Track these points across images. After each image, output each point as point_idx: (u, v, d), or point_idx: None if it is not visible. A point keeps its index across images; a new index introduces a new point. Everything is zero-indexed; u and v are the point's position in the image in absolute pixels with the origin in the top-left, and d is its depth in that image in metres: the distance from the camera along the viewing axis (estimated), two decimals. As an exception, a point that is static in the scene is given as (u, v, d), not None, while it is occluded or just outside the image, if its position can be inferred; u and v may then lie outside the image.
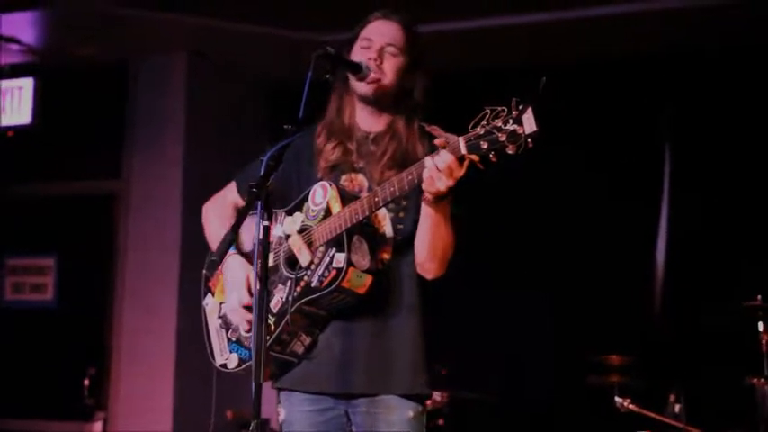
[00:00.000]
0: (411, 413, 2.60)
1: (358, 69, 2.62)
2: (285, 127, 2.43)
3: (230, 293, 2.67)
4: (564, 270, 5.54)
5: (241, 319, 2.67)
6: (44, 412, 6.21)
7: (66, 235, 6.47)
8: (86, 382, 5.61)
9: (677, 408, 4.39)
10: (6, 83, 6.31)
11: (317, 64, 2.49)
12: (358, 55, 2.66)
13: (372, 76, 2.62)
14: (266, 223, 2.32)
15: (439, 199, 2.45)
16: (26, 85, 6.28)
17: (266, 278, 2.31)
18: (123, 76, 6.40)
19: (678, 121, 5.55)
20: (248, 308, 2.64)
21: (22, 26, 5.88)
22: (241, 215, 2.39)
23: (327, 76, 2.54)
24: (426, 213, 2.53)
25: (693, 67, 5.54)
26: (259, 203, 2.33)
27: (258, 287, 2.30)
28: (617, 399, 4.46)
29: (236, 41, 5.99)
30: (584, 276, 5.49)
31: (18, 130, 6.28)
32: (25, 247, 6.57)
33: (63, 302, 6.46)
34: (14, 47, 6.02)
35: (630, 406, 4.43)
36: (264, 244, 2.32)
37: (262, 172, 2.36)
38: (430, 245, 2.56)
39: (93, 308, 6.31)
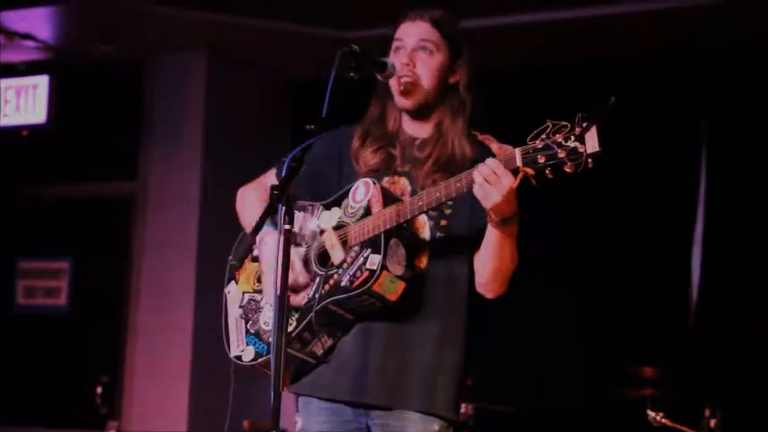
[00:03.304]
0: (436, 427, 2.49)
1: (383, 67, 2.55)
2: (307, 127, 2.35)
3: (269, 272, 2.54)
4: (596, 279, 5.44)
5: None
6: (56, 420, 6.15)
7: (80, 237, 6.41)
8: (99, 389, 5.54)
9: (712, 423, 4.27)
10: (21, 80, 6.25)
11: (342, 61, 2.41)
12: (393, 59, 2.59)
13: (405, 80, 2.55)
14: (288, 227, 2.24)
15: (505, 222, 2.38)
16: (41, 82, 6.23)
17: (286, 284, 2.22)
18: (140, 74, 6.34)
19: (717, 128, 5.43)
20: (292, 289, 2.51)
21: (38, 22, 5.83)
22: (262, 217, 2.29)
23: (351, 73, 2.44)
24: (492, 235, 2.44)
25: (734, 71, 5.41)
26: (281, 206, 2.23)
27: (279, 292, 2.21)
28: (650, 412, 4.37)
29: (256, 38, 5.92)
30: (617, 286, 5.39)
31: (32, 129, 6.24)
32: (39, 250, 6.51)
33: (77, 307, 6.39)
34: (29, 43, 5.98)
35: (664, 420, 4.34)
36: (285, 249, 2.23)
37: (284, 173, 2.27)
38: (494, 266, 2.49)
39: (107, 313, 6.25)
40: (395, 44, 2.61)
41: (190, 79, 6.16)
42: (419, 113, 2.62)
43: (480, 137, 2.57)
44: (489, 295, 2.56)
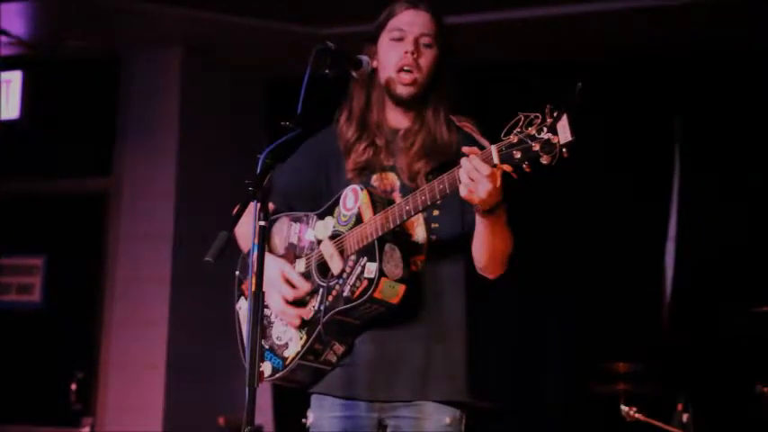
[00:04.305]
0: (448, 419, 2.55)
1: (359, 65, 2.57)
2: (283, 124, 2.35)
3: (270, 294, 2.58)
4: (570, 275, 5.45)
5: (292, 317, 2.58)
6: (30, 417, 6.07)
7: (54, 234, 6.35)
8: (74, 386, 5.49)
9: (685, 417, 4.32)
10: (-6, 75, 6.20)
11: (317, 58, 2.43)
12: (388, 47, 2.61)
13: (409, 76, 2.58)
14: (262, 223, 2.25)
15: (490, 211, 2.39)
16: (14, 78, 6.18)
17: (262, 280, 2.24)
18: (115, 70, 6.27)
19: (690, 123, 5.45)
20: (295, 302, 2.58)
21: (11, 17, 5.75)
22: (237, 214, 2.30)
23: (327, 71, 2.47)
24: (481, 224, 2.47)
25: (707, 68, 5.44)
26: (255, 203, 2.25)
27: (254, 289, 2.23)
28: (623, 407, 4.40)
29: (233, 35, 5.89)
30: (590, 282, 5.40)
31: (6, 124, 6.18)
32: (12, 246, 6.42)
33: (51, 304, 6.33)
34: (3, 38, 5.90)
35: (637, 415, 4.37)
36: (261, 245, 2.25)
37: (258, 170, 2.27)
38: (488, 253, 2.52)
39: (81, 309, 6.19)
40: (394, 33, 2.61)
41: (165, 75, 6.10)
42: (408, 103, 2.63)
43: (458, 123, 2.59)
44: (491, 276, 2.61)
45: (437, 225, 2.57)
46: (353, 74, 2.59)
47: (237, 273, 2.75)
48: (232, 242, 2.47)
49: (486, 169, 2.25)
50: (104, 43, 6.09)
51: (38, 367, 6.11)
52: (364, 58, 2.58)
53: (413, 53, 2.57)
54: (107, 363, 6.01)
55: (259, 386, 2.22)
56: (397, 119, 2.66)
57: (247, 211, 2.73)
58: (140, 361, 5.88)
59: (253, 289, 2.24)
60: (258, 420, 2.23)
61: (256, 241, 2.24)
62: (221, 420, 5.10)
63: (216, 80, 6.21)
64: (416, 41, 2.58)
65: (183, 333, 5.80)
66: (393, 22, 2.62)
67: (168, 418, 5.77)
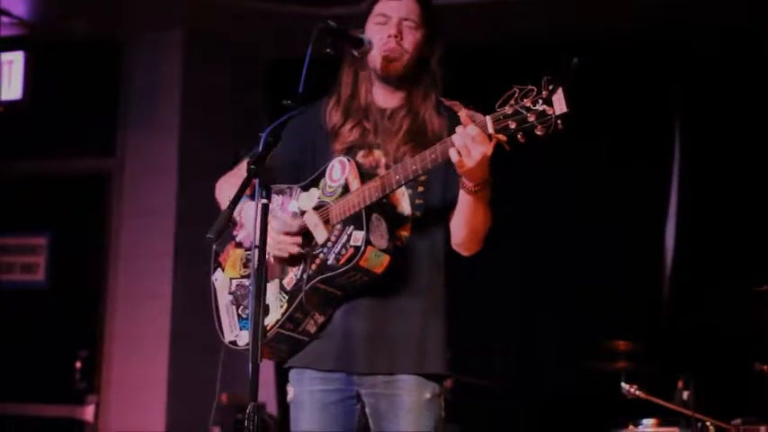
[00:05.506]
0: (428, 395, 2.56)
1: (360, 44, 2.58)
2: (284, 103, 2.37)
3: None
4: (571, 253, 5.45)
5: (291, 246, 2.56)
6: (35, 396, 6.10)
7: (58, 214, 6.36)
8: (78, 364, 5.53)
9: (685, 394, 4.34)
10: (-3, 56, 6.19)
11: (318, 38, 2.44)
12: (373, 32, 2.62)
13: (392, 53, 2.58)
14: (265, 201, 2.27)
15: (478, 188, 2.41)
16: (17, 59, 6.16)
17: (264, 257, 2.24)
18: (117, 51, 6.27)
19: (689, 99, 5.45)
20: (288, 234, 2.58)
21: (12, -2, 5.76)
22: (240, 191, 2.31)
23: (328, 50, 2.48)
24: (465, 201, 2.49)
25: (705, 41, 5.42)
26: (257, 181, 2.26)
27: (257, 266, 2.23)
28: (624, 385, 4.43)
29: (233, 16, 5.87)
30: (591, 260, 5.40)
31: (8, 105, 6.16)
32: (16, 225, 6.44)
33: (54, 283, 6.36)
34: (5, 19, 5.89)
35: (637, 392, 4.40)
36: (263, 223, 2.25)
37: (260, 148, 2.29)
38: (468, 230, 2.54)
39: (85, 288, 6.22)
40: (378, 18, 2.63)
41: (166, 57, 6.10)
42: (394, 83, 2.64)
43: (447, 102, 2.61)
44: (466, 253, 2.62)
45: (421, 201, 2.58)
46: (354, 53, 2.61)
47: (215, 247, 2.75)
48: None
49: (475, 132, 2.28)
50: (106, 24, 6.07)
51: (42, 346, 6.13)
52: (365, 36, 2.59)
53: (396, 36, 2.59)
54: (111, 341, 6.04)
55: (262, 362, 2.22)
56: (385, 99, 2.67)
57: (229, 183, 2.76)
58: (144, 339, 5.91)
59: (255, 265, 2.23)
60: (261, 398, 2.24)
61: (258, 219, 2.25)
62: (224, 397, 5.12)
63: (217, 60, 6.21)
64: (399, 24, 2.60)
65: (186, 311, 5.82)
66: (377, 8, 2.64)
67: (172, 395, 5.80)
